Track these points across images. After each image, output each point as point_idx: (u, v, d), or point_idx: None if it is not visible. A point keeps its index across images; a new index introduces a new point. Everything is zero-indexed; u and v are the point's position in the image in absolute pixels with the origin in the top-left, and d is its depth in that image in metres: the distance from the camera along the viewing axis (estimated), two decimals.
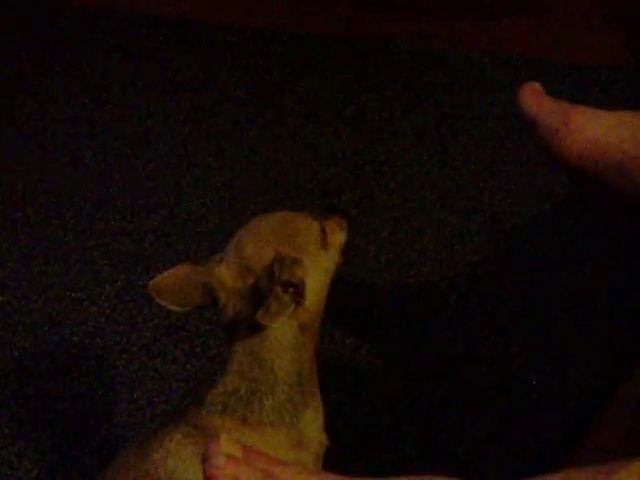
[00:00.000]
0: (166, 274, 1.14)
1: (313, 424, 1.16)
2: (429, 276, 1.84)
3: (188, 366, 1.71)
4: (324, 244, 1.16)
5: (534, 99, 1.02)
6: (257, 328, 1.10)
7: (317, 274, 1.14)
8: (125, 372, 1.71)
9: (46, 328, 1.82)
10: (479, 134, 2.22)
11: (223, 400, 1.12)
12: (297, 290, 1.09)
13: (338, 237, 1.20)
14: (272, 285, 1.07)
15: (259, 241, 1.13)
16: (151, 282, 1.14)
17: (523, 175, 2.07)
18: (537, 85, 1.03)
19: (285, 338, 1.12)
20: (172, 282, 1.14)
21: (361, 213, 2.01)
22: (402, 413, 1.57)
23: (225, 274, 1.13)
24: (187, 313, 1.72)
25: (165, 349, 1.74)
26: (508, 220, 1.95)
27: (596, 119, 0.98)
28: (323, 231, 1.17)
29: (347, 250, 1.22)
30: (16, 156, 2.33)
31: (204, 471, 0.77)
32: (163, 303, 1.14)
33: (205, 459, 0.77)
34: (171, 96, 2.50)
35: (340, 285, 1.55)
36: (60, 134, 2.39)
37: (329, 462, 1.50)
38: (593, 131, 0.97)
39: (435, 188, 2.07)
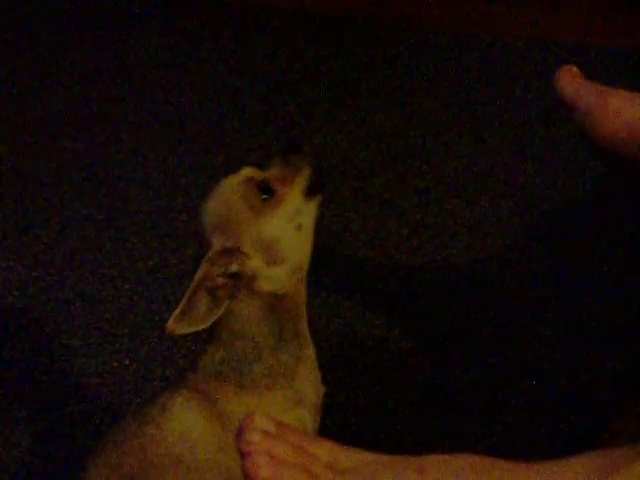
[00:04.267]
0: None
1: (308, 379, 1.16)
2: (461, 259, 1.84)
3: None
4: (262, 207, 1.09)
5: (572, 82, 1.02)
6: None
7: (261, 241, 1.09)
8: (157, 349, 1.72)
9: (79, 304, 1.84)
10: (512, 117, 2.21)
11: (215, 367, 1.12)
12: (235, 281, 1.08)
13: (296, 184, 1.12)
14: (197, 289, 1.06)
15: (205, 232, 1.11)
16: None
17: (556, 159, 2.06)
18: (575, 68, 1.03)
19: (252, 310, 1.11)
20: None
21: (394, 195, 2.01)
22: (431, 395, 1.58)
23: None
24: None
25: None
26: (541, 204, 1.95)
27: (633, 102, 0.98)
28: (264, 189, 1.10)
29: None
30: (49, 135, 2.34)
31: (239, 447, 0.77)
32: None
33: (239, 435, 0.77)
34: (205, 77, 2.50)
35: (372, 267, 1.55)
36: (95, 113, 2.40)
37: (357, 441, 1.51)
38: (630, 114, 0.97)
39: (468, 171, 2.07)
